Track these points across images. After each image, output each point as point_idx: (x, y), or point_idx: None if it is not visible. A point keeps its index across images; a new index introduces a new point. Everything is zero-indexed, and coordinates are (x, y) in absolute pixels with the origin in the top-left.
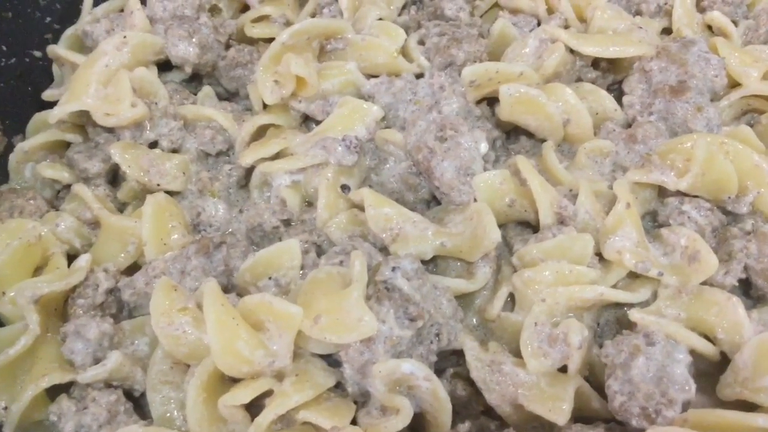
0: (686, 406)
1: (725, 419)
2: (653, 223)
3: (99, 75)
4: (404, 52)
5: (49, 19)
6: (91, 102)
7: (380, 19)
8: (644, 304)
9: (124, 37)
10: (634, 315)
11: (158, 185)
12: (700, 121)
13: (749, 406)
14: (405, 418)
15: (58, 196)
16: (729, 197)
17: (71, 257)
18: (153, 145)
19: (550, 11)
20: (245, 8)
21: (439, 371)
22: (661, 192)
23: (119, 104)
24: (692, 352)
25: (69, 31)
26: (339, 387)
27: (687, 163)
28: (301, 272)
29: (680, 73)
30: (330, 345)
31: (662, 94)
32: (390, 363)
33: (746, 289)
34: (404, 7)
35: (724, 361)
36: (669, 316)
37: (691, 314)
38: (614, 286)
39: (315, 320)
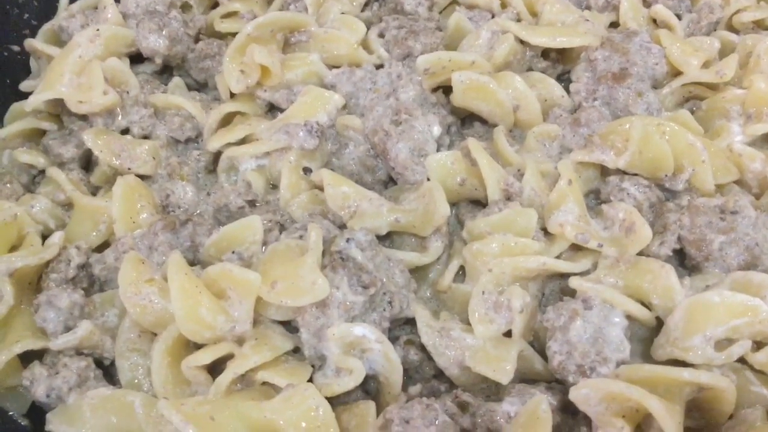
0: (620, 365)
1: (654, 373)
2: (597, 200)
3: (73, 65)
4: (365, 44)
5: (26, 15)
6: (65, 90)
7: (343, 13)
8: (585, 275)
9: (97, 29)
10: (573, 282)
11: (129, 169)
12: (640, 105)
13: (680, 366)
14: (357, 378)
15: (34, 181)
16: (666, 175)
17: (46, 238)
18: (125, 131)
19: (504, 6)
20: (215, 5)
21: (392, 339)
22: (604, 171)
23: (91, 92)
24: (630, 319)
25: (46, 27)
26: (297, 352)
27: (625, 143)
28: (263, 248)
29: (622, 62)
30: (287, 310)
31: (605, 81)
32: (343, 326)
33: (682, 260)
34: (367, 3)
35: (659, 327)
36: (607, 284)
37: (627, 282)
38: (558, 258)
39: (272, 285)
